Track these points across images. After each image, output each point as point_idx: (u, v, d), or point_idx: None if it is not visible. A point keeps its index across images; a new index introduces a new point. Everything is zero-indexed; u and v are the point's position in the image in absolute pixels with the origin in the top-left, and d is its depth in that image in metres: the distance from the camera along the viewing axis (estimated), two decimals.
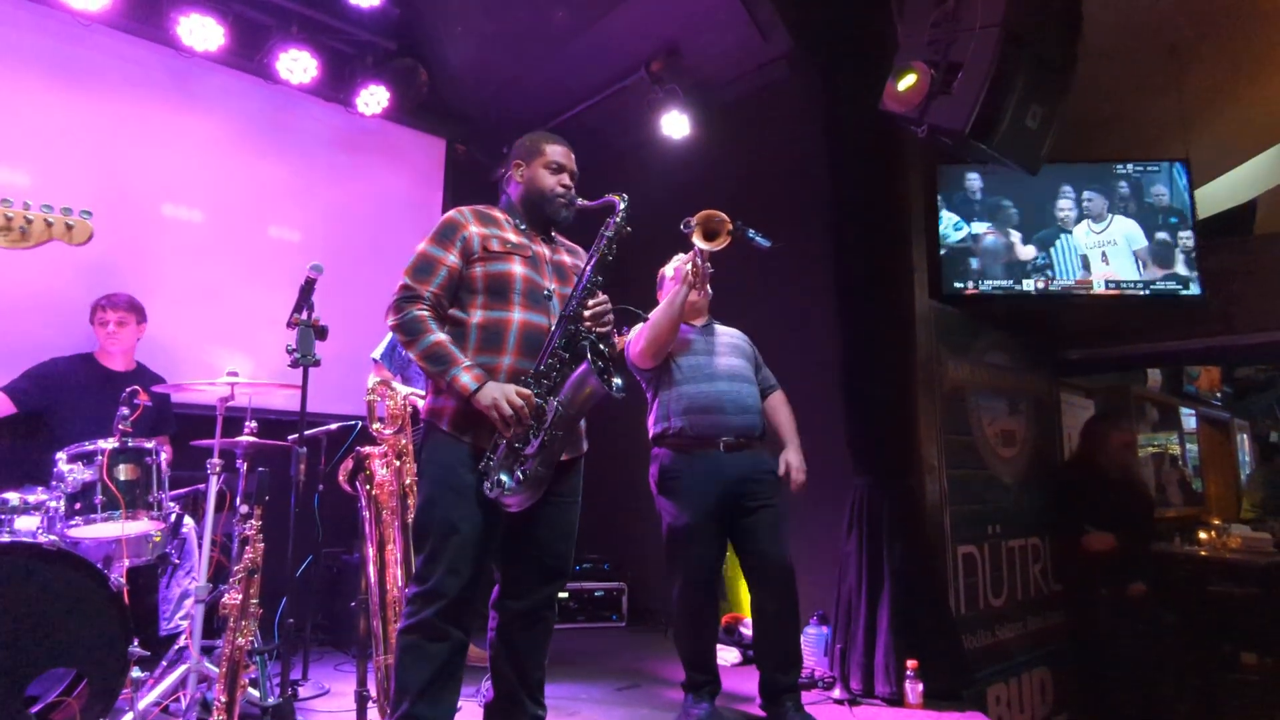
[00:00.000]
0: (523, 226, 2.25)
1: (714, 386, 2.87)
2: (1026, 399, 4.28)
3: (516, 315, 2.09)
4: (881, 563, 3.27)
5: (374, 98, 4.67)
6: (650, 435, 2.97)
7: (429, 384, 2.17)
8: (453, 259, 2.10)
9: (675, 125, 4.53)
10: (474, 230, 2.14)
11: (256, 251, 4.49)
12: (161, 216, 4.19)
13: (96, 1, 3.75)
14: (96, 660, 2.48)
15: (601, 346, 2.05)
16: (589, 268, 2.11)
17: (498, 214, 2.25)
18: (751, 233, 2.87)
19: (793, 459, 2.93)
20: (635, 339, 2.92)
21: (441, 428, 2.07)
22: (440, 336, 2.03)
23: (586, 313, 2.06)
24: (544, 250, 2.24)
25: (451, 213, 2.19)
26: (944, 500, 3.54)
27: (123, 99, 4.12)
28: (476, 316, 2.09)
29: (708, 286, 3.01)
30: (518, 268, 2.13)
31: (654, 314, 2.84)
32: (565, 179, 2.27)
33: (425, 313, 2.05)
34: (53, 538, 2.66)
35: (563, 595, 4.55)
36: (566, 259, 2.30)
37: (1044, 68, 2.70)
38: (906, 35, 2.87)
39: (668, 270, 3.04)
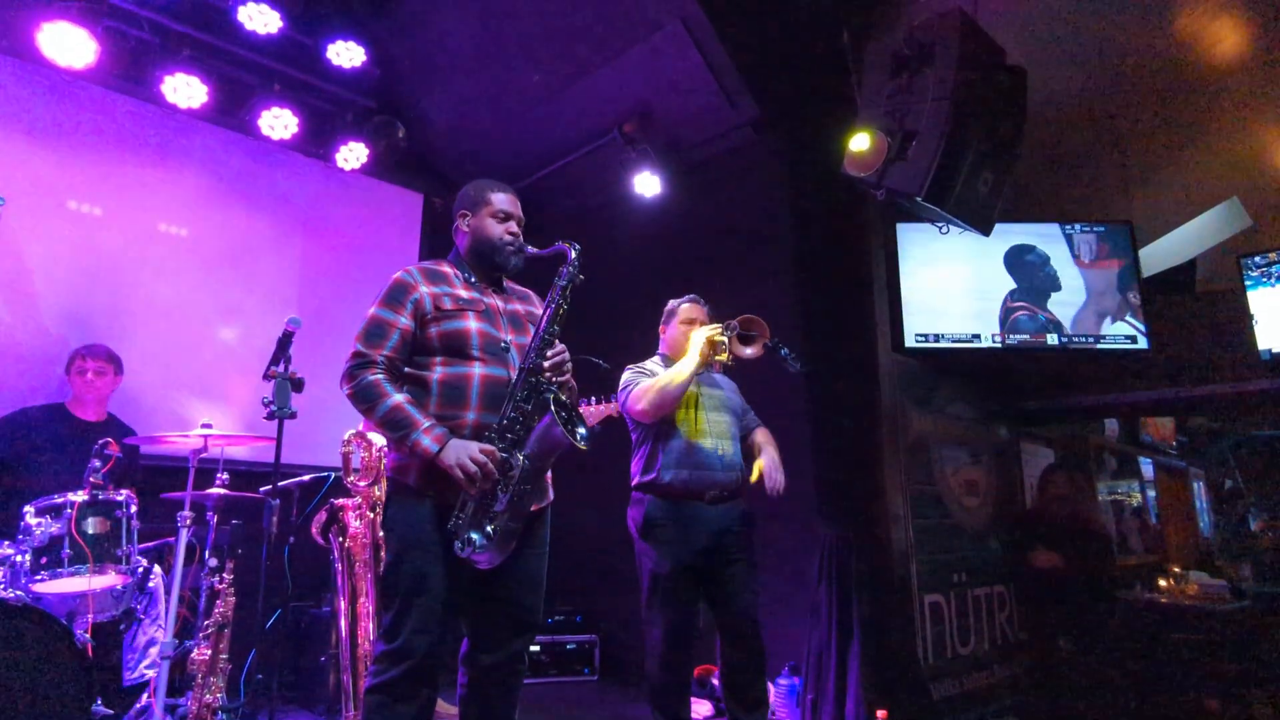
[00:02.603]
0: (472, 279, 2.24)
1: (705, 443, 2.90)
2: (988, 449, 4.41)
3: (477, 370, 2.09)
4: (851, 613, 3.32)
5: (353, 153, 4.78)
6: (635, 481, 2.99)
7: (392, 441, 2.15)
8: (404, 320, 2.10)
9: (647, 184, 4.69)
10: (424, 290, 2.13)
11: (233, 303, 4.52)
12: (139, 268, 4.21)
13: (83, 59, 3.82)
14: (59, 718, 2.43)
15: (564, 397, 2.08)
16: (545, 319, 2.13)
17: (446, 269, 2.25)
18: (785, 352, 2.92)
19: (770, 458, 2.97)
20: (638, 395, 2.89)
21: (408, 484, 2.06)
22: (397, 399, 2.01)
23: (546, 364, 2.07)
24: (496, 302, 2.24)
25: (399, 274, 2.17)
26: (911, 550, 3.62)
27: (105, 153, 4.18)
28: (437, 373, 2.09)
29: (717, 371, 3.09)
30: (472, 323, 2.13)
31: (665, 380, 2.85)
32: (513, 226, 2.27)
33: (380, 376, 2.04)
34: (17, 592, 2.62)
35: (534, 648, 4.51)
36: (519, 307, 2.30)
37: (993, 137, 2.88)
38: (865, 104, 3.05)
39: (697, 336, 2.93)
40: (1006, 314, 4.01)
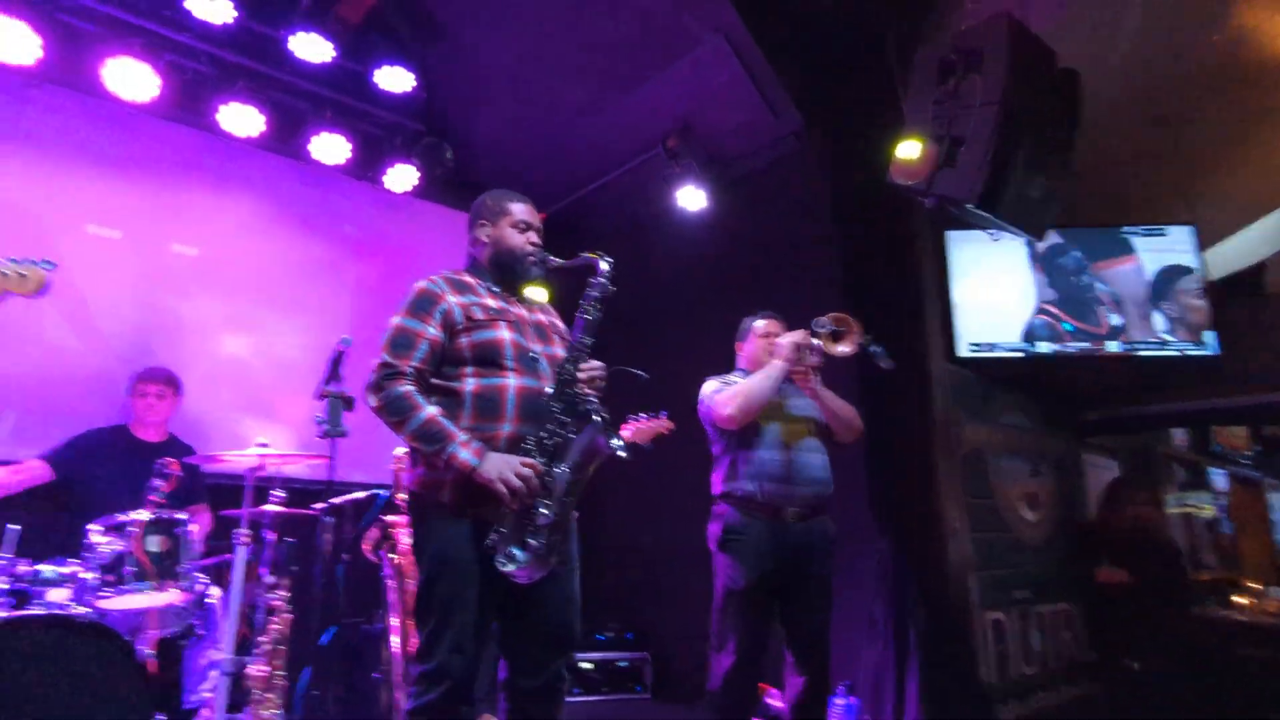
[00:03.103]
0: (495, 289, 2.22)
1: (787, 454, 2.82)
2: (1048, 461, 4.26)
3: (512, 380, 2.06)
4: (908, 630, 3.23)
5: (403, 176, 4.88)
6: (715, 492, 2.92)
7: (417, 456, 2.10)
8: (432, 331, 2.06)
9: (691, 198, 4.68)
10: (452, 300, 2.11)
11: (287, 324, 4.63)
12: (197, 292, 4.35)
13: (146, 93, 3.98)
14: None
15: (602, 409, 2.04)
16: (579, 330, 2.11)
17: (468, 279, 2.22)
18: (876, 348, 2.87)
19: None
20: (724, 399, 2.83)
21: (440, 501, 2.01)
22: (430, 411, 1.98)
23: (581, 376, 2.05)
24: (522, 312, 2.23)
25: (423, 283, 2.14)
26: (969, 565, 3.51)
27: (164, 183, 4.34)
28: (470, 385, 2.05)
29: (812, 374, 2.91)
30: (505, 333, 2.10)
31: (752, 382, 2.81)
32: (533, 236, 2.25)
33: (410, 388, 2.00)
34: (83, 609, 2.70)
35: (585, 665, 4.48)
36: (543, 318, 2.29)
37: (1045, 141, 2.80)
38: (912, 111, 3.00)
39: (784, 342, 2.84)
40: (1037, 320, 3.89)
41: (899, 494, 3.41)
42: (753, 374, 2.92)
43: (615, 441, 2.01)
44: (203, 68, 4.24)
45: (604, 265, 2.15)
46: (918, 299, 3.68)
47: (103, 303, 4.05)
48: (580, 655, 4.41)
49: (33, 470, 3.37)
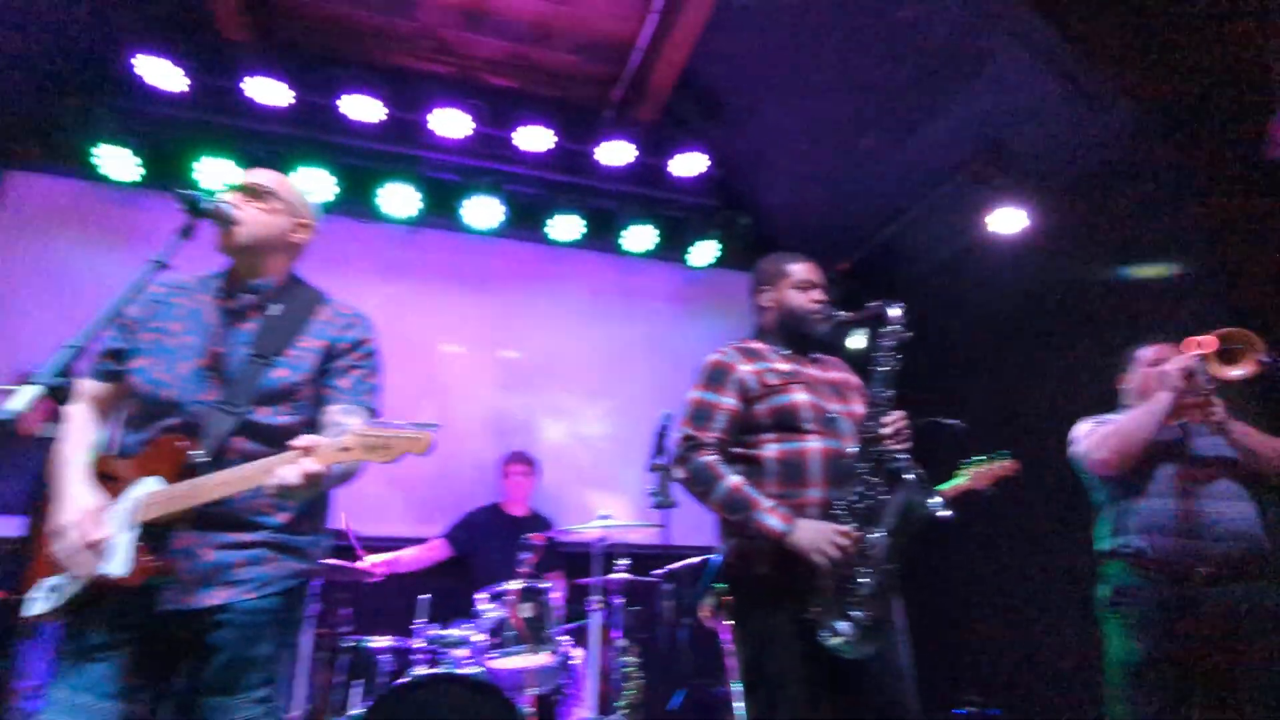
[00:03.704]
0: (785, 352, 2.20)
1: (1187, 503, 2.37)
2: None
3: (814, 444, 2.02)
4: None
5: (704, 251, 5.15)
6: (1100, 549, 2.56)
7: (727, 530, 2.10)
8: (729, 401, 2.10)
9: (1008, 221, 4.25)
10: (744, 370, 2.13)
11: (618, 404, 5.08)
12: (544, 384, 5.00)
13: (495, 219, 4.76)
14: None
15: (915, 468, 1.90)
16: (877, 383, 2.00)
17: (758, 345, 2.23)
18: None
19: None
20: (1097, 441, 2.52)
21: (755, 575, 1.99)
22: (735, 480, 1.99)
23: (885, 431, 1.94)
24: (815, 372, 2.18)
25: (715, 355, 2.20)
26: None
27: (504, 293, 5.09)
28: (772, 451, 2.04)
29: (1215, 408, 2.39)
30: (801, 396, 2.07)
31: (1128, 419, 2.47)
32: (816, 294, 2.22)
33: (714, 458, 2.03)
34: (476, 668, 3.15)
35: None
36: (836, 375, 2.22)
37: None
38: None
39: (1170, 369, 2.44)
40: None
41: None
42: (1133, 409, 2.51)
43: (933, 501, 1.87)
44: (534, 190, 4.94)
45: (893, 312, 2.05)
46: None
47: (469, 400, 4.82)
48: None
49: (438, 549, 4.07)
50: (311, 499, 1.68)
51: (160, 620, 1.56)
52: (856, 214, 5.00)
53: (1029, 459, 3.06)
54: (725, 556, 2.10)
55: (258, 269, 1.82)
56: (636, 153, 4.78)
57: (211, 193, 1.74)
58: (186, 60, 4.10)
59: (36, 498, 1.36)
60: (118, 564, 1.52)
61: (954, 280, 4.83)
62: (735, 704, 3.14)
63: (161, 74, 4.07)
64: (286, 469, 1.47)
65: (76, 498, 1.54)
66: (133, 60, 4.02)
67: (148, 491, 1.58)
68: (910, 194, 4.68)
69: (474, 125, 4.51)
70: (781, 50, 4.33)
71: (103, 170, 4.18)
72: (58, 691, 1.54)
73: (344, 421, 1.66)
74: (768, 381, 2.10)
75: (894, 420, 1.97)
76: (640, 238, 5.04)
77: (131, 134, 4.16)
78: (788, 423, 2.05)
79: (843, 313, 2.18)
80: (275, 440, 1.62)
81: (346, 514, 3.47)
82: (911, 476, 1.88)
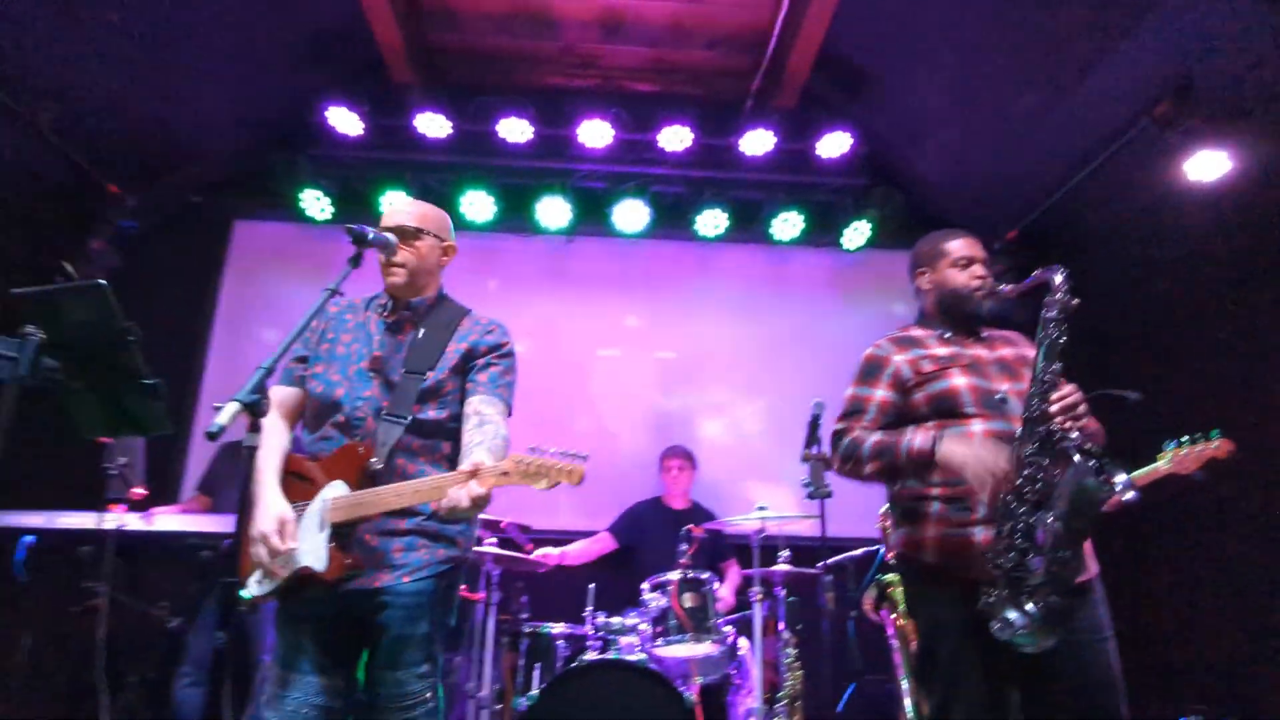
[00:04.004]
0: (947, 335, 2.11)
1: None
2: None
3: (976, 428, 1.92)
4: None
5: (856, 233, 4.98)
6: None
7: (897, 511, 2.07)
8: (881, 394, 2.06)
9: (1206, 166, 3.75)
10: (898, 360, 2.07)
11: (773, 395, 5.04)
12: (698, 380, 5.08)
13: (642, 223, 4.89)
14: None
15: (1088, 445, 1.73)
16: (1040, 359, 1.85)
17: (916, 333, 2.15)
18: None
19: None
20: None
21: (924, 561, 1.94)
22: (877, 435, 1.98)
23: (1053, 408, 1.79)
24: (981, 352, 2.06)
25: (869, 350, 2.17)
26: None
27: (654, 291, 5.21)
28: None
29: None
30: (959, 380, 1.99)
31: None
32: (977, 270, 2.10)
33: (858, 433, 2.02)
34: (643, 656, 3.27)
35: None
36: (1008, 352, 2.07)
37: None
38: None
39: None
40: None
41: None
42: None
43: (1120, 479, 1.69)
44: (679, 190, 5.02)
45: (1058, 279, 1.90)
46: None
47: (620, 404, 5.00)
48: None
49: (604, 541, 4.27)
50: None
51: (343, 600, 1.80)
52: (1021, 178, 4.61)
53: (1250, 439, 2.70)
54: (897, 545, 2.06)
55: (414, 291, 2.08)
56: (776, 140, 4.72)
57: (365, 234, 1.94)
58: (362, 106, 4.60)
59: (243, 500, 1.60)
60: (318, 560, 1.77)
61: (1144, 239, 4.33)
62: (905, 702, 3.04)
63: (344, 121, 4.59)
64: (458, 491, 1.68)
65: (270, 506, 1.80)
66: (325, 112, 4.56)
67: (334, 496, 1.83)
68: (1082, 150, 4.24)
69: (614, 133, 4.67)
70: (924, 11, 4.10)
71: (307, 212, 4.78)
72: (275, 669, 1.83)
73: (484, 410, 1.92)
74: (923, 369, 2.04)
75: (1062, 395, 1.82)
76: (788, 225, 4.97)
77: (323, 177, 4.72)
78: (947, 409, 1.97)
79: (1006, 286, 2.06)
80: (428, 433, 1.92)
81: (519, 510, 3.73)
82: (1079, 456, 1.73)
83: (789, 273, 5.28)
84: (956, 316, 2.12)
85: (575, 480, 1.70)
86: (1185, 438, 3.00)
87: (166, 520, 3.41)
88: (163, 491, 4.28)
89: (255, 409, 1.59)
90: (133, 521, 3.35)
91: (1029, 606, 1.71)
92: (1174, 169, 3.85)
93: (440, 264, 2.15)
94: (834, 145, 4.80)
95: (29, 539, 3.28)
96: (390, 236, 2.01)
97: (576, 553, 4.12)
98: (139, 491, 3.43)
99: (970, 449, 1.81)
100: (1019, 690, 1.86)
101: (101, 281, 1.68)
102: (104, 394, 1.79)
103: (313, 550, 1.78)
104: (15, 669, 3.23)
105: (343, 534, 1.81)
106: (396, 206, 2.15)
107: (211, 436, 1.50)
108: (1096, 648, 1.83)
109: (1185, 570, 4.09)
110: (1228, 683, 3.83)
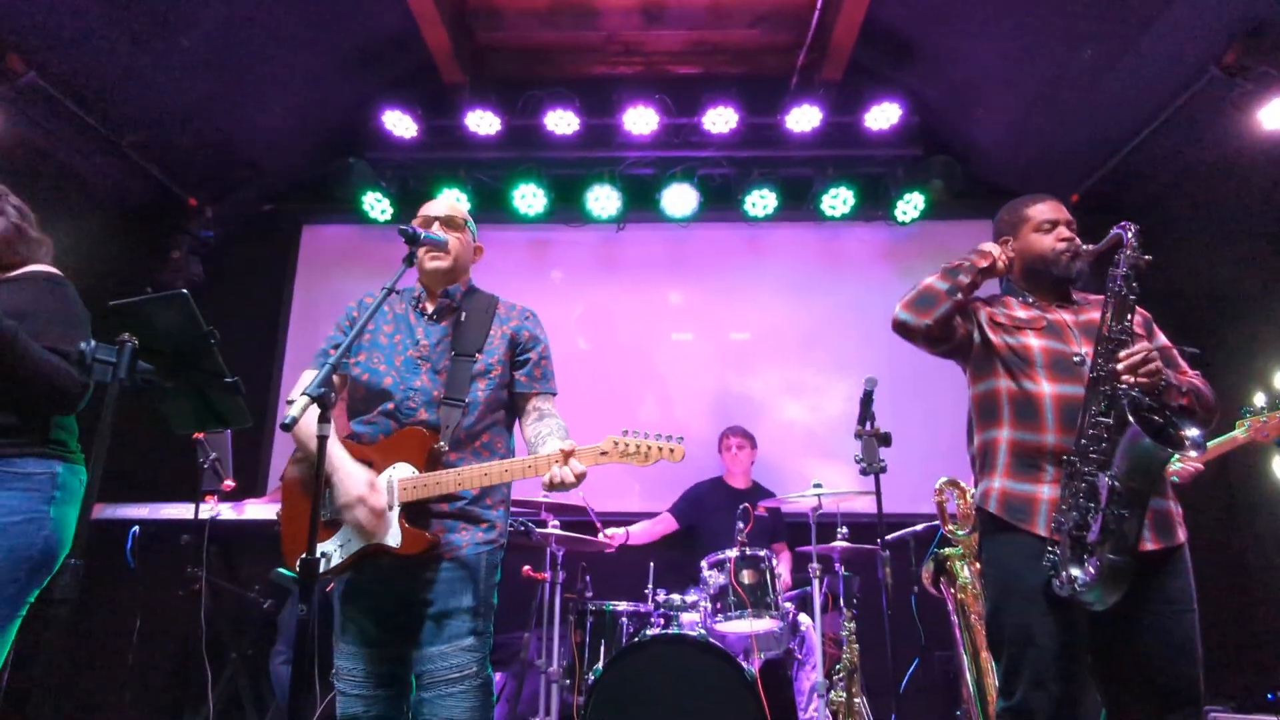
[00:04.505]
0: (1030, 299, 2.11)
1: None
2: None
3: (1046, 388, 1.94)
4: None
5: (910, 205, 4.89)
6: None
7: (977, 463, 2.07)
8: (960, 296, 2.03)
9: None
10: (982, 308, 2.12)
11: (826, 373, 5.03)
12: (755, 360, 5.10)
13: (690, 206, 4.92)
14: None
15: (1149, 401, 1.72)
16: (1108, 316, 1.85)
17: (1001, 298, 2.17)
18: None
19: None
20: None
21: (992, 513, 1.94)
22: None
23: (1119, 366, 1.78)
24: (1063, 316, 2.06)
25: None
26: None
27: (705, 274, 5.25)
28: (1006, 385, 2.00)
29: None
30: (1033, 340, 2.01)
31: None
32: (1063, 232, 2.08)
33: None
34: (703, 631, 3.34)
35: None
36: (1094, 316, 2.03)
37: None
38: None
39: None
40: None
41: None
42: None
43: (1192, 434, 1.69)
44: (726, 171, 5.02)
45: (1129, 235, 1.89)
46: None
47: (679, 387, 5.07)
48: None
49: (665, 522, 4.35)
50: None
51: (394, 576, 1.92)
52: (1081, 140, 4.44)
53: None
54: (977, 499, 2.05)
55: (452, 278, 2.19)
56: (823, 115, 4.67)
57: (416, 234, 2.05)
58: (415, 109, 4.76)
59: (318, 482, 1.73)
60: (392, 536, 1.90)
61: (1215, 196, 4.14)
62: (965, 676, 3.03)
63: (400, 124, 4.77)
64: (561, 470, 1.81)
65: (355, 474, 1.91)
66: (381, 117, 4.74)
67: (401, 476, 1.95)
68: (1147, 107, 4.07)
69: (659, 119, 4.70)
70: None
71: (369, 214, 4.98)
72: (337, 643, 1.97)
73: (541, 406, 2.10)
74: (998, 319, 2.07)
75: (1131, 353, 1.80)
76: (839, 201, 4.92)
77: (382, 179, 4.91)
78: (1017, 365, 1.99)
79: (1089, 245, 2.05)
80: (480, 416, 2.06)
81: (585, 493, 3.83)
82: (1140, 413, 1.71)
83: (841, 249, 5.23)
84: (1045, 282, 2.10)
85: (677, 459, 1.87)
86: (1264, 404, 2.88)
87: (256, 509, 3.66)
88: (251, 485, 4.58)
89: (324, 401, 1.71)
90: (226, 511, 3.62)
91: (1089, 564, 1.73)
92: (1246, 119, 3.68)
93: (473, 259, 2.28)
94: (883, 117, 4.72)
95: (135, 529, 3.58)
96: (440, 236, 2.12)
97: (640, 533, 4.21)
98: (229, 483, 3.70)
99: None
100: (1092, 656, 1.87)
101: (184, 290, 1.82)
102: (191, 393, 1.94)
103: (388, 526, 1.91)
104: (127, 649, 3.52)
105: (411, 512, 1.94)
106: (438, 201, 2.29)
107: (286, 428, 1.63)
108: (1174, 615, 1.81)
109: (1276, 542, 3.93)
110: None
